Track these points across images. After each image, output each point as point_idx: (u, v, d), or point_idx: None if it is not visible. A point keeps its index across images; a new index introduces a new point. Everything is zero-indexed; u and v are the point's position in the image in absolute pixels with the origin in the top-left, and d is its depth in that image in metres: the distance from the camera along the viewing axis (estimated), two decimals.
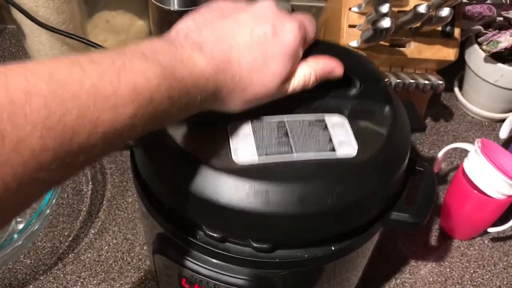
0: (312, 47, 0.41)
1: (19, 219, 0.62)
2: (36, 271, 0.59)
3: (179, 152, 0.39)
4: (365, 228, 0.42)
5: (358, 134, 0.41)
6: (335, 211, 0.37)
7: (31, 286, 0.58)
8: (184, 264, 0.42)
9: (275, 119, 0.41)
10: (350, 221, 0.40)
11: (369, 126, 0.42)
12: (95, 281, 0.59)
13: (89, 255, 0.61)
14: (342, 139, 0.40)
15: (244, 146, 0.39)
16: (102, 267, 0.60)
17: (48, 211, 0.59)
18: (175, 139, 0.39)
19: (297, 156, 0.38)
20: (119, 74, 0.27)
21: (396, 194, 0.44)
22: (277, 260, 0.40)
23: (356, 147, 0.40)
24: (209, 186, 0.37)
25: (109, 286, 0.58)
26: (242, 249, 0.40)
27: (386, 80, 0.66)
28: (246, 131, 0.40)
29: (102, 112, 0.26)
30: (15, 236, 0.56)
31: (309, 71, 0.40)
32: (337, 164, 0.38)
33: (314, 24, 0.41)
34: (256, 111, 0.39)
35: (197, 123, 0.40)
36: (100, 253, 0.61)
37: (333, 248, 0.41)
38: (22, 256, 0.60)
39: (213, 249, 0.40)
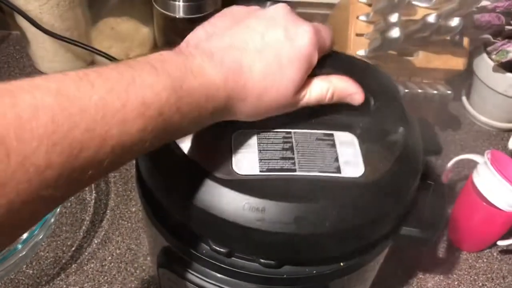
0: (327, 57, 0.40)
1: None
2: (38, 281, 0.59)
3: (182, 159, 0.38)
4: (374, 245, 0.41)
5: (367, 155, 0.39)
6: (334, 233, 0.36)
7: None
8: (190, 279, 0.41)
9: (282, 131, 0.40)
10: (353, 242, 0.39)
11: (379, 147, 0.40)
12: None
13: (92, 265, 0.60)
14: (349, 159, 0.39)
15: (246, 158, 0.38)
16: (106, 277, 0.59)
17: (52, 220, 0.59)
18: (180, 146, 0.38)
19: (299, 173, 0.37)
20: (127, 88, 0.27)
21: (407, 210, 0.43)
22: (284, 276, 0.39)
23: (363, 168, 0.38)
24: (207, 196, 0.36)
25: None
26: (249, 264, 0.39)
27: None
28: (251, 141, 0.39)
29: (110, 126, 0.25)
30: (19, 246, 0.55)
31: (327, 87, 0.38)
32: (340, 185, 0.37)
33: (331, 33, 0.39)
34: (263, 121, 0.38)
35: (204, 130, 0.38)
36: (103, 264, 0.61)
37: (341, 264, 0.40)
38: (25, 266, 0.60)
39: (219, 264, 0.39)
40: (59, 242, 0.62)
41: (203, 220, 0.37)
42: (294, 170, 0.37)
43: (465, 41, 0.66)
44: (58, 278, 0.59)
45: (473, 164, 0.62)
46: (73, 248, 0.62)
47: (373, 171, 0.38)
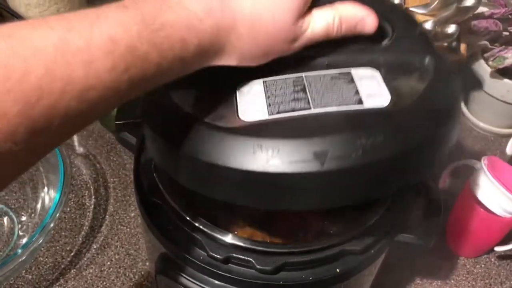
0: None
1: (21, 233, 0.62)
2: (37, 286, 0.59)
3: (183, 115, 0.34)
4: (371, 246, 0.41)
5: (393, 86, 0.34)
6: (366, 166, 0.30)
7: None
8: (187, 285, 0.41)
9: (291, 75, 0.35)
10: (383, 185, 0.33)
11: (406, 78, 0.35)
12: None
13: (91, 270, 0.61)
14: (372, 91, 0.33)
15: (253, 105, 0.34)
16: (104, 283, 0.60)
17: (52, 225, 0.59)
18: (179, 103, 0.35)
19: (315, 111, 0.32)
20: (91, 26, 0.24)
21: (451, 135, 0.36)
22: (281, 282, 0.39)
23: (389, 98, 0.33)
24: (213, 148, 0.32)
25: None
26: (246, 270, 0.40)
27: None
28: (257, 89, 0.35)
29: (74, 68, 0.23)
30: (19, 251, 0.55)
31: (332, 14, 0.33)
32: (365, 114, 0.32)
33: None
34: (270, 68, 0.34)
35: (204, 81, 0.34)
36: (102, 269, 0.61)
37: (338, 270, 0.41)
38: (24, 271, 0.60)
39: (216, 270, 0.40)
40: (58, 248, 0.63)
41: (211, 177, 0.33)
42: (309, 108, 0.33)
43: (462, 47, 0.66)
44: (57, 284, 0.59)
45: (470, 170, 0.62)
46: (72, 254, 0.62)
47: (402, 99, 0.33)
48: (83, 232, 0.64)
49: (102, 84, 0.24)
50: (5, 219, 0.63)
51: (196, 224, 0.40)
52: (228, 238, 0.40)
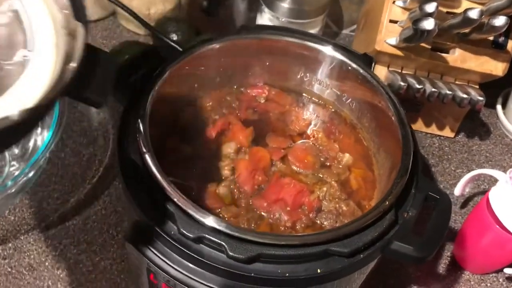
0: None
1: (12, 170, 0.60)
2: (18, 229, 0.57)
3: None
4: (360, 251, 0.37)
5: None
6: None
7: (10, 244, 0.56)
8: (154, 261, 0.38)
9: None
10: None
11: None
12: (75, 251, 0.56)
13: (74, 222, 0.58)
14: None
15: None
16: (86, 237, 0.57)
17: (42, 161, 0.56)
18: None
19: None
20: None
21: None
22: (252, 274, 0.36)
23: None
24: None
25: (89, 258, 0.56)
26: (217, 255, 0.36)
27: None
28: None
29: None
30: (9, 183, 0.53)
31: None
32: None
33: None
34: None
35: None
36: (86, 222, 0.59)
37: (319, 270, 0.37)
38: (7, 212, 0.58)
39: (185, 250, 0.36)
40: (45, 193, 0.60)
41: None
42: None
43: (510, 44, 0.59)
44: (38, 229, 0.57)
45: (493, 181, 0.57)
46: (58, 201, 0.60)
47: None
48: (73, 181, 0.62)
49: None
50: None
51: (172, 196, 0.37)
52: (204, 217, 0.36)
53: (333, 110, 0.53)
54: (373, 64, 0.54)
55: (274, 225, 0.43)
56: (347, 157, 0.49)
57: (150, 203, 0.38)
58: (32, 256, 0.55)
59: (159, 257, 0.37)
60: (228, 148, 0.47)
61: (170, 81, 0.46)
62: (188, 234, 0.36)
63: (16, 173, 0.55)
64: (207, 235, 0.36)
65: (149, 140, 0.39)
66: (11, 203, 0.58)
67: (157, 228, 0.37)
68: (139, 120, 0.40)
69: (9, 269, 0.54)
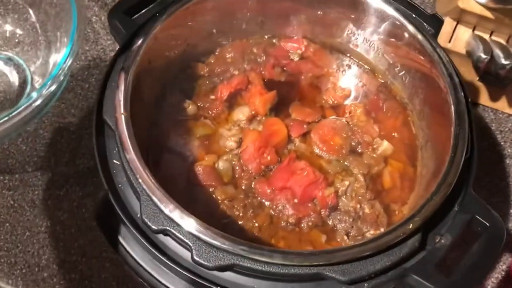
0: None
1: (37, 82, 0.57)
2: (27, 161, 0.54)
3: None
4: (363, 279, 0.29)
5: None
6: None
7: (17, 176, 0.53)
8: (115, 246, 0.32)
9: None
10: None
11: None
12: (80, 193, 0.53)
13: (85, 161, 0.54)
14: None
15: None
16: (94, 179, 0.53)
17: (62, 76, 0.52)
18: None
19: None
20: None
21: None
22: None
23: None
24: None
25: (92, 203, 0.52)
26: (183, 252, 0.30)
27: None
28: None
29: None
30: (34, 94, 0.49)
31: None
32: None
33: None
34: None
35: None
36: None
37: None
38: (20, 139, 0.55)
39: (146, 242, 0.30)
40: (61, 125, 0.57)
41: None
42: None
43: None
44: (47, 163, 0.54)
45: None
46: (73, 136, 0.56)
47: None
48: (90, 116, 0.57)
49: None
50: (14, 72, 0.59)
51: (137, 175, 0.30)
52: (171, 209, 0.29)
53: (382, 81, 0.42)
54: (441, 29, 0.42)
55: (275, 217, 0.36)
56: (385, 145, 0.39)
57: (118, 173, 0.32)
58: (36, 192, 0.53)
59: (121, 243, 0.32)
60: (240, 114, 0.39)
61: (179, 22, 0.38)
62: (149, 223, 0.29)
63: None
64: (172, 230, 0.29)
65: (129, 98, 0.33)
66: (39, 117, 0.54)
67: (117, 208, 0.31)
68: (122, 72, 0.33)
69: (12, 202, 0.52)
